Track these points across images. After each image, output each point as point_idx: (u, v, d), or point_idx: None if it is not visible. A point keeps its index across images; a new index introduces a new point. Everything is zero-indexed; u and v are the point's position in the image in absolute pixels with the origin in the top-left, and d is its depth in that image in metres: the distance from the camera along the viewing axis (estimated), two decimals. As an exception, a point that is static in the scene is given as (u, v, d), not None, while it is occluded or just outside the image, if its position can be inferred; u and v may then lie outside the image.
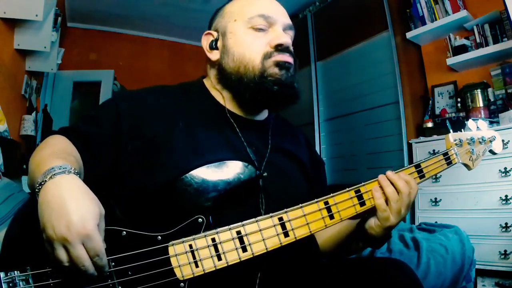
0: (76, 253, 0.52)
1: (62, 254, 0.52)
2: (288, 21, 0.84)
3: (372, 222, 0.74)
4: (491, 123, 2.18)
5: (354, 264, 0.85)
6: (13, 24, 2.14)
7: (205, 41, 0.87)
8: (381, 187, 0.73)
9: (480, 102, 2.34)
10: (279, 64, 0.78)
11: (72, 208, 0.53)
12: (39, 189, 0.56)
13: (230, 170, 0.68)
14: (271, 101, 0.81)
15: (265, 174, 0.76)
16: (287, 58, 0.79)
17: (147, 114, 0.77)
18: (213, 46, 0.85)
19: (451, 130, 0.87)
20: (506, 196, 1.90)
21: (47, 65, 2.57)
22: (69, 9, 3.40)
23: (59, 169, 0.57)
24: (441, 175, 2.20)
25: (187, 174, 0.67)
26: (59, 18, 2.59)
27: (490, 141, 0.88)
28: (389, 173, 0.74)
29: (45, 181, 0.56)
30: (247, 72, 0.79)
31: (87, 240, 0.53)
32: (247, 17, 0.81)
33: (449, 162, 0.83)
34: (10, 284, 0.55)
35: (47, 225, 0.53)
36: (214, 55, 0.85)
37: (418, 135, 2.54)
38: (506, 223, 1.89)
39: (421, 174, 0.79)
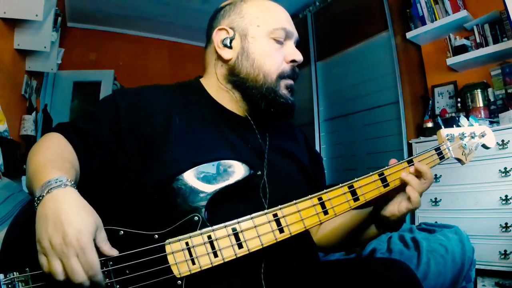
0: (70, 266, 0.52)
1: (57, 266, 0.52)
2: (297, 34, 0.87)
3: (403, 207, 0.76)
4: (491, 123, 2.18)
5: (354, 264, 0.85)
6: (13, 24, 2.15)
7: (218, 37, 0.84)
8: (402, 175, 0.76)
9: (480, 102, 2.35)
10: (288, 88, 0.83)
11: (68, 221, 0.53)
12: (38, 203, 0.57)
13: (225, 169, 0.69)
14: (275, 117, 0.85)
15: (259, 172, 0.76)
16: (292, 83, 0.85)
17: (145, 111, 0.77)
18: (227, 44, 0.82)
19: (442, 126, 0.88)
20: (506, 196, 1.90)
21: (47, 65, 2.58)
22: (69, 9, 3.41)
23: (56, 182, 0.58)
24: (441, 175, 2.20)
25: (183, 173, 0.67)
26: (59, 18, 2.60)
27: (482, 136, 0.89)
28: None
29: (43, 196, 0.57)
30: (266, 83, 0.80)
31: (81, 254, 0.53)
32: (271, 27, 0.82)
33: (441, 157, 0.83)
34: (9, 286, 0.55)
35: (43, 237, 0.53)
36: (227, 54, 0.83)
37: (418, 135, 2.55)
38: (506, 223, 1.89)
39: None
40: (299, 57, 0.84)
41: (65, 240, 0.52)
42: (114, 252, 0.59)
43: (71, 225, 0.53)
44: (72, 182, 0.60)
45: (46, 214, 0.55)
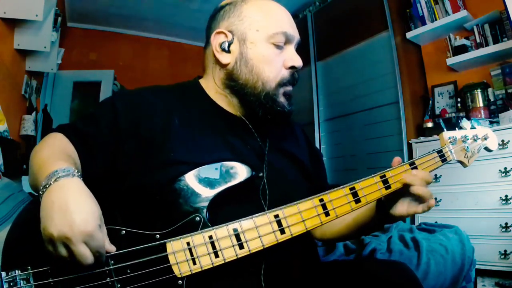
0: (79, 252, 0.53)
1: (63, 252, 0.54)
2: (298, 36, 0.85)
3: (412, 209, 0.75)
4: (491, 123, 2.18)
5: (354, 265, 0.85)
6: (13, 24, 2.15)
7: (216, 40, 0.82)
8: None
9: (480, 102, 2.35)
10: (287, 95, 0.82)
11: (76, 209, 0.54)
12: (43, 191, 0.57)
13: (227, 171, 0.69)
14: (272, 123, 0.84)
15: (260, 174, 0.76)
16: (291, 90, 0.84)
17: (145, 113, 0.77)
18: (225, 49, 0.80)
19: (445, 129, 0.88)
20: (506, 196, 1.90)
21: (47, 65, 2.58)
22: (69, 9, 3.41)
23: (63, 172, 0.58)
24: (441, 175, 2.20)
25: (185, 174, 0.67)
26: (59, 18, 2.60)
27: (485, 138, 0.89)
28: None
29: (50, 184, 0.57)
30: (264, 90, 0.79)
31: (89, 239, 0.54)
32: (271, 32, 0.80)
33: (443, 159, 0.83)
34: (11, 283, 0.56)
35: (49, 224, 0.54)
36: (225, 58, 0.81)
37: (418, 135, 2.55)
38: (506, 223, 1.89)
39: None
40: (298, 63, 0.82)
41: (73, 228, 0.53)
42: (112, 248, 0.59)
43: (79, 213, 0.54)
44: (79, 174, 0.61)
45: (53, 202, 0.55)
